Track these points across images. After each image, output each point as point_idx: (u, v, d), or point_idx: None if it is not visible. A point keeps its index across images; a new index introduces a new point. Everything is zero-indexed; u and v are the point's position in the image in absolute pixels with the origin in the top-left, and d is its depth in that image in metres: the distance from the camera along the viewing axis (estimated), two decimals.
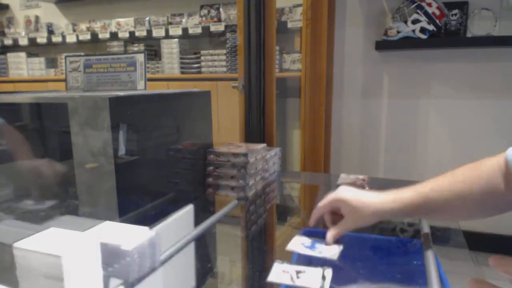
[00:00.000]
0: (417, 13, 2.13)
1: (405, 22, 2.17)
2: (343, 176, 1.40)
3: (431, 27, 2.13)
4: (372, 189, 1.36)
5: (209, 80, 2.88)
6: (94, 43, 3.57)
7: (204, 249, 0.97)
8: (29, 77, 3.75)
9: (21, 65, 3.78)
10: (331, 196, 0.85)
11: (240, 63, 1.62)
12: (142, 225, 0.72)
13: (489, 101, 2.23)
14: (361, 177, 1.40)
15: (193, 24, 3.08)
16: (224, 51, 2.88)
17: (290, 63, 2.71)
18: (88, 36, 3.43)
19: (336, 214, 0.86)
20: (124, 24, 3.39)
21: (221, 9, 3.03)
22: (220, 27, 2.91)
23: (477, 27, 2.16)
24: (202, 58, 2.98)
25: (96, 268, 0.62)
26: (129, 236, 0.66)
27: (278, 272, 0.76)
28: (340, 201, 0.82)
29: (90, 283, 0.60)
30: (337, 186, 1.32)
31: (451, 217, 0.86)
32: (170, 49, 3.07)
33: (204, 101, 1.33)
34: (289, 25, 2.69)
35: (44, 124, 1.13)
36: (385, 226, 1.13)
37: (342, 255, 0.83)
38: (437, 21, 2.12)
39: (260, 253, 0.96)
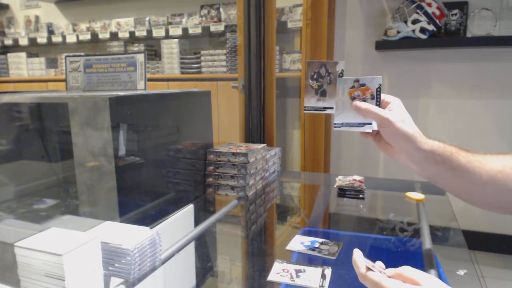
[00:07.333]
0: (417, 13, 2.13)
1: (405, 22, 2.17)
2: (340, 178, 1.41)
3: (431, 27, 2.13)
4: (369, 189, 1.36)
5: (209, 80, 2.88)
6: (94, 43, 3.57)
7: (204, 248, 0.97)
8: (29, 77, 3.75)
9: (21, 65, 3.78)
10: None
11: (240, 63, 1.62)
12: (142, 225, 0.72)
13: (489, 101, 2.23)
14: (358, 178, 1.40)
15: (193, 24, 3.09)
16: (224, 51, 2.88)
17: (290, 63, 2.71)
18: (88, 36, 3.44)
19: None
20: (124, 24, 3.39)
21: (221, 9, 3.03)
22: (220, 27, 2.91)
23: (477, 27, 2.16)
24: (202, 58, 2.98)
25: (97, 267, 0.62)
26: (129, 235, 0.67)
27: (278, 271, 0.76)
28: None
29: (91, 282, 0.61)
30: (336, 188, 1.33)
31: (466, 193, 0.72)
32: (170, 49, 3.07)
33: (204, 101, 1.33)
34: (289, 25, 2.69)
35: (45, 124, 1.13)
36: (385, 226, 1.13)
37: (342, 254, 0.83)
38: (437, 21, 2.12)
39: (260, 253, 0.96)
